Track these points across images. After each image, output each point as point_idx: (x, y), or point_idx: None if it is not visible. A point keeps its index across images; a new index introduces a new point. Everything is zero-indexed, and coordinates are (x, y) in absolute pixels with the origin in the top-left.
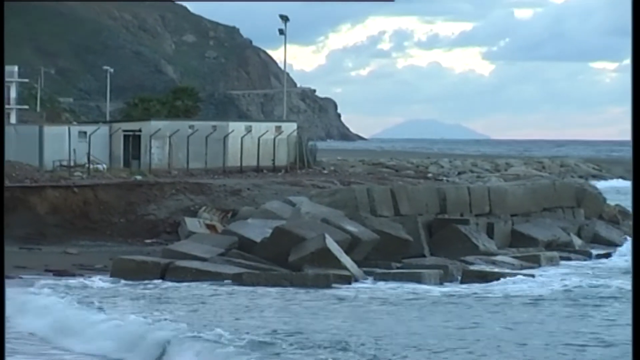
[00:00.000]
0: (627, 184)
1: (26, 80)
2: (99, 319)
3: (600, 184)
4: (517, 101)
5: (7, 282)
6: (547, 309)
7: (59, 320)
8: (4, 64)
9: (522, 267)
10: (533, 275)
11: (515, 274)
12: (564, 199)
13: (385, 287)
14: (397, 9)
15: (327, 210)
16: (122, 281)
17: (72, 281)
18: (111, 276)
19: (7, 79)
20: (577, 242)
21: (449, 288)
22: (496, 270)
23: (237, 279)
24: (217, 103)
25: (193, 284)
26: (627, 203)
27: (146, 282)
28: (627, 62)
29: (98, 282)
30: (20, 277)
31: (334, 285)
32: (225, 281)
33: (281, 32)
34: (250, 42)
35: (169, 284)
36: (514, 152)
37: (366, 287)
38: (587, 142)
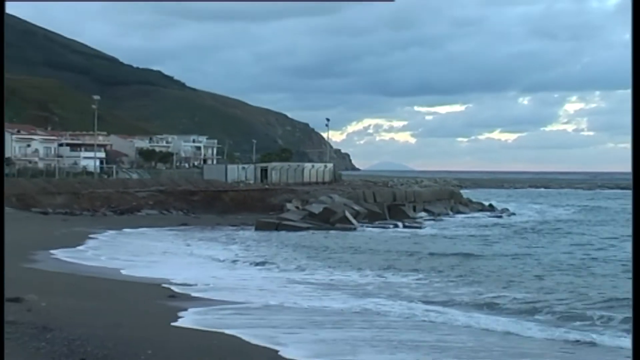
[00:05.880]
0: (472, 191)
1: (220, 145)
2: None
3: (461, 190)
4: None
5: (214, 229)
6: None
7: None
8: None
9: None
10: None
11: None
12: (445, 195)
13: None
14: (377, 115)
15: (346, 200)
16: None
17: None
18: (255, 228)
19: (209, 145)
20: (450, 213)
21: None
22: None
23: (308, 229)
24: (299, 155)
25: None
26: (471, 195)
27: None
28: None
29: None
30: (220, 229)
31: (348, 231)
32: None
33: (327, 125)
34: (313, 129)
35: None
36: (425, 176)
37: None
38: (455, 172)
